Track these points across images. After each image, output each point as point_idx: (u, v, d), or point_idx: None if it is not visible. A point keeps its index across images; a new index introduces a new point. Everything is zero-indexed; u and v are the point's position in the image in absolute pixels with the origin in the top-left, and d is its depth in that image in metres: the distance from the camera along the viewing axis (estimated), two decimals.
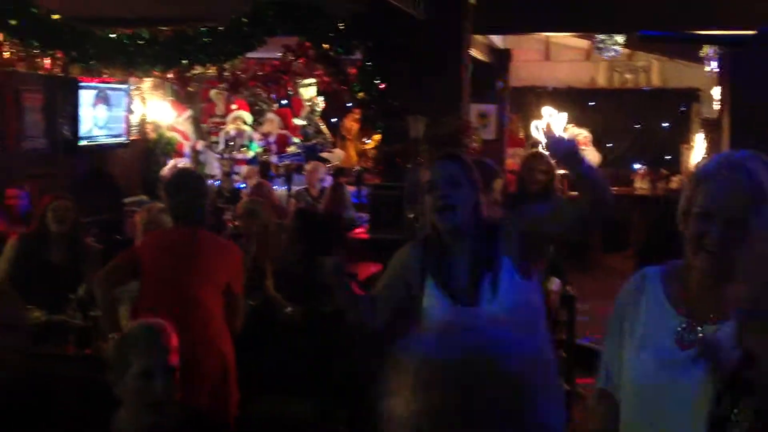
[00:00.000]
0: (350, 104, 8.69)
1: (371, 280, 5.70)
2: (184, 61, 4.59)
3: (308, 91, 9.99)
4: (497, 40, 8.93)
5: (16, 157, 7.78)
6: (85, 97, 8.47)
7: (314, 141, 10.29)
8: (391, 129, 5.85)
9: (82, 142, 8.55)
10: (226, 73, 7.36)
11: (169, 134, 10.05)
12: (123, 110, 9.28)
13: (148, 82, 9.50)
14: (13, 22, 4.21)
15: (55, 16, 4.33)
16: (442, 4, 5.71)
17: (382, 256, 5.84)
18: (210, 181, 8.59)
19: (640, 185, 10.05)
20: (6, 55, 6.01)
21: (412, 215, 6.00)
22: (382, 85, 5.62)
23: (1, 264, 4.75)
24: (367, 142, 10.92)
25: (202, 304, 3.47)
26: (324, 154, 9.91)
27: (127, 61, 4.50)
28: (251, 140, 10.20)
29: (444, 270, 2.45)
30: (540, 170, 4.40)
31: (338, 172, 9.22)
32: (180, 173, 4.48)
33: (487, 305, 2.37)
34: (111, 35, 4.44)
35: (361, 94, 5.68)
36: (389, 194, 6.01)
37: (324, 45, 5.11)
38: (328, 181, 8.85)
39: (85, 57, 4.41)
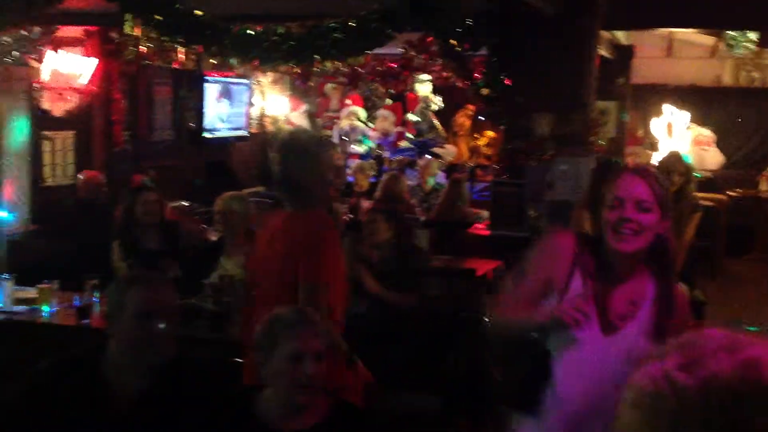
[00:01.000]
0: (469, 101, 8.66)
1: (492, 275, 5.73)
2: (316, 57, 4.68)
3: (423, 87, 10.02)
4: (621, 35, 8.72)
5: (146, 147, 8.14)
6: (210, 91, 8.79)
7: (427, 137, 10.32)
8: (514, 126, 5.80)
9: (206, 134, 8.87)
10: (344, 68, 7.44)
11: (286, 128, 10.28)
12: (244, 104, 9.56)
13: (268, 77, 9.74)
14: (158, 17, 4.40)
15: (198, 12, 4.50)
16: (571, 0, 5.62)
17: (502, 253, 5.87)
18: None
19: (766, 188, 9.64)
20: (142, 49, 6.27)
21: (533, 213, 5.96)
22: (508, 82, 5.58)
23: (115, 255, 5.04)
24: (479, 138, 10.90)
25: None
26: (436, 150, 9.93)
27: (263, 56, 4.63)
28: (364, 135, 10.32)
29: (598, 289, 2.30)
30: (678, 172, 4.29)
31: (451, 169, 9.22)
32: None
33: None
34: (248, 31, 4.58)
35: (485, 91, 5.65)
36: (510, 191, 5.97)
37: (451, 41, 5.12)
38: (441, 177, 8.86)
39: (223, 52, 4.56)
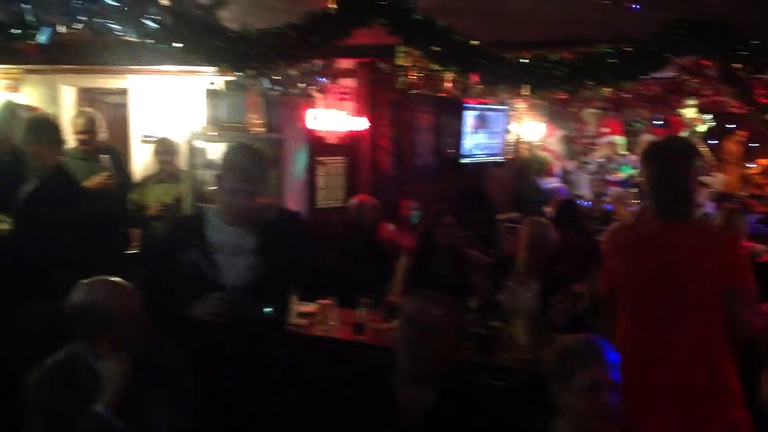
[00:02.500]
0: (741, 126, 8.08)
1: None
2: (589, 83, 4.61)
3: (690, 111, 9.52)
4: None
5: (408, 172, 8.46)
6: (468, 118, 8.97)
7: None
8: None
9: (464, 160, 9.05)
10: (607, 94, 7.25)
11: (542, 154, 10.22)
12: (500, 131, 9.64)
13: (525, 103, 9.75)
14: (436, 48, 4.56)
15: (474, 42, 4.60)
16: None
17: None
18: (579, 202, 8.56)
19: None
20: (412, 78, 6.54)
21: None
22: None
23: (398, 277, 5.17)
24: (750, 166, 10.14)
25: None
26: (704, 178, 9.36)
27: (535, 83, 4.64)
28: (622, 163, 9.99)
29: None
30: None
31: (721, 197, 8.66)
32: None
33: None
34: (522, 59, 4.62)
35: None
36: None
37: (735, 65, 4.80)
38: (710, 206, 8.34)
39: (497, 80, 4.63)
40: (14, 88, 7.23)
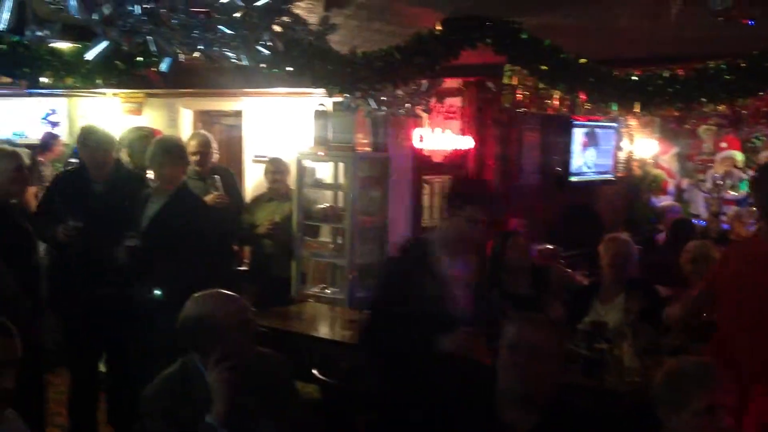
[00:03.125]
0: None
1: None
2: (702, 100, 4.48)
3: None
4: None
5: (515, 190, 8.41)
6: (577, 135, 8.84)
7: None
8: None
9: (572, 178, 8.92)
10: (724, 110, 7.01)
11: (655, 171, 9.95)
12: (611, 148, 9.45)
13: (636, 121, 9.54)
14: (544, 67, 4.55)
15: (582, 60, 4.56)
16: None
17: None
18: (694, 221, 8.28)
19: None
20: (519, 97, 6.53)
21: None
22: None
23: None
24: None
25: None
26: None
27: (645, 100, 4.55)
28: (742, 180, 9.59)
29: None
30: None
31: None
32: None
33: None
34: (632, 77, 4.54)
35: None
36: None
37: None
38: None
39: (606, 98, 4.57)
40: (137, 111, 7.65)
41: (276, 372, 2.90)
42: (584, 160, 9.02)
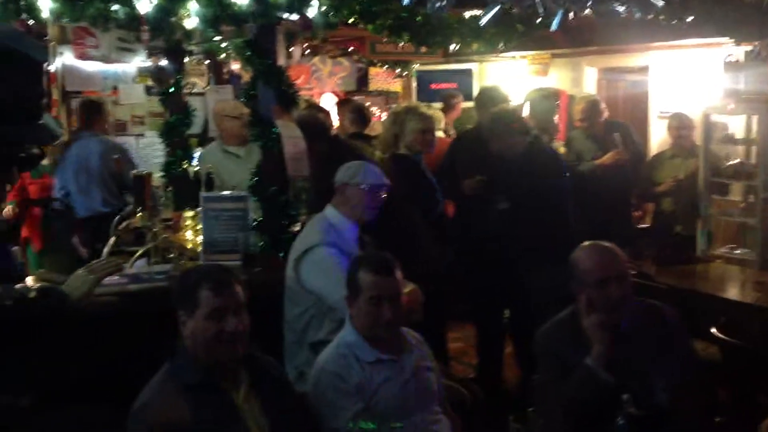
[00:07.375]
0: None
1: None
2: None
3: None
4: None
5: None
6: None
7: None
8: None
9: None
10: None
11: None
12: None
13: None
14: None
15: None
16: None
17: None
18: None
19: None
20: None
21: None
22: None
23: None
24: None
25: None
26: None
27: None
28: None
29: None
30: None
31: None
32: None
33: None
34: None
35: None
36: None
37: None
38: None
39: None
40: (543, 72, 7.88)
41: (670, 326, 2.92)
42: None
